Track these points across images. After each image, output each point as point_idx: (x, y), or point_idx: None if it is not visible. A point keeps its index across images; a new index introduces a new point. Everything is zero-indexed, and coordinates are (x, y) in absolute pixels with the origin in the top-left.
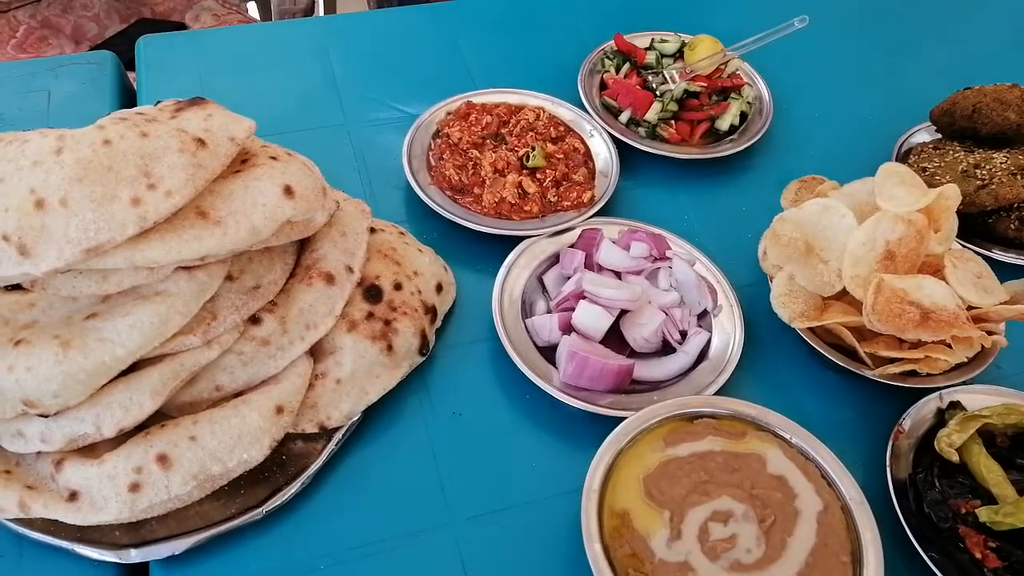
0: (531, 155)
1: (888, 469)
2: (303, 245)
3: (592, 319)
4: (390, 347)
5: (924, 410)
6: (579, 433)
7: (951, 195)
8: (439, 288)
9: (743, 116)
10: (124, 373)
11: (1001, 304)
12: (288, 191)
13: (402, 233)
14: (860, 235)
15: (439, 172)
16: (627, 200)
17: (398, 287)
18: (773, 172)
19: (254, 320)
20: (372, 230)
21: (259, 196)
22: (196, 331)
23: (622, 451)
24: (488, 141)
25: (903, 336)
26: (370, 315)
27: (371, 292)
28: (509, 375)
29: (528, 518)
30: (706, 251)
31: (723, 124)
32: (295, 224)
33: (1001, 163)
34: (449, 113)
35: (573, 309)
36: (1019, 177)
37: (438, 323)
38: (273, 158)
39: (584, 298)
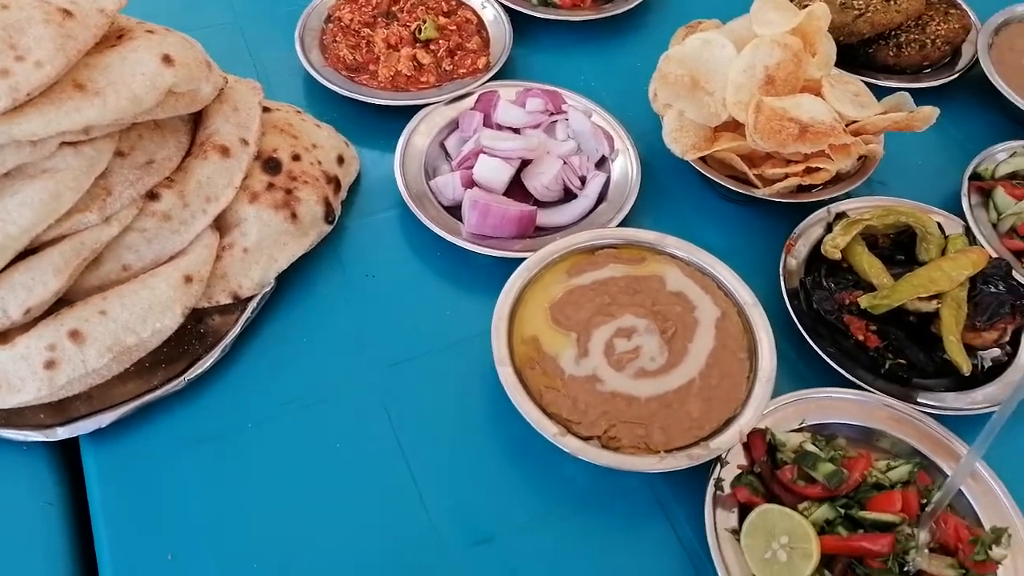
0: (423, 28)
1: (781, 277)
2: (197, 125)
3: (492, 171)
4: (294, 215)
5: (814, 224)
6: (489, 280)
7: (821, 14)
8: (340, 160)
9: None
10: (24, 258)
11: (876, 115)
12: (167, 59)
13: (299, 111)
14: (740, 62)
15: (333, 54)
16: (524, 67)
17: (296, 158)
18: (665, 27)
19: (152, 196)
20: (268, 109)
21: (137, 66)
22: (92, 208)
23: (528, 285)
24: (380, 19)
25: (784, 151)
26: (271, 185)
27: (270, 164)
28: (418, 236)
29: (446, 360)
30: (603, 105)
31: None
32: (180, 95)
33: None
34: None
35: (474, 166)
36: (892, 4)
37: (343, 194)
38: (150, 31)
39: (483, 153)
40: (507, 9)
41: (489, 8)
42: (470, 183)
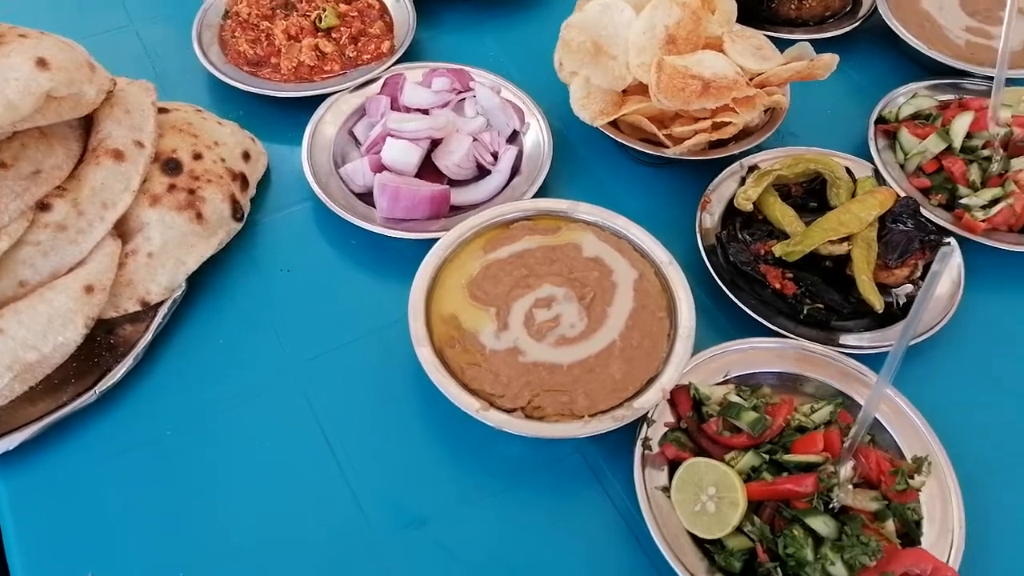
0: (323, 16)
1: (697, 233)
2: (88, 131)
3: (400, 153)
4: (199, 215)
5: (727, 179)
6: (407, 264)
7: None
8: (246, 156)
9: None
10: None
11: (779, 67)
12: (42, 63)
13: (199, 110)
14: (640, 24)
15: (233, 50)
16: (431, 48)
17: (198, 157)
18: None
19: (43, 207)
20: (165, 110)
21: (10, 72)
22: None
23: (444, 264)
24: (278, 11)
25: (690, 108)
26: (172, 187)
27: (169, 165)
28: (332, 226)
29: (367, 348)
30: (512, 79)
31: None
32: (62, 100)
33: None
34: None
35: (382, 150)
36: None
37: (252, 190)
38: (23, 36)
39: (391, 136)
40: None
41: None
42: (379, 167)
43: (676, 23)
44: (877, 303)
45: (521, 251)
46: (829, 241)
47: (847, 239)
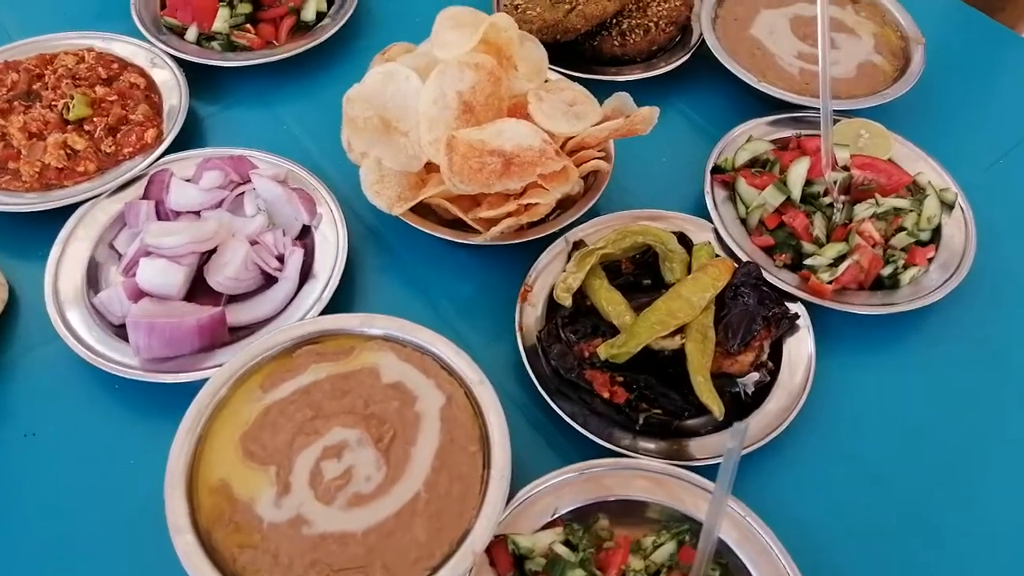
0: (71, 106)
1: (517, 333)
2: None
3: (158, 275)
4: None
5: (553, 260)
6: (179, 411)
7: (505, 25)
8: None
9: (330, 1)
10: None
11: (594, 126)
12: None
13: None
14: (428, 93)
15: None
16: (213, 129)
17: None
18: (375, 52)
19: None
20: None
21: None
22: None
23: (214, 414)
24: (17, 103)
25: (491, 191)
26: None
27: None
28: (87, 371)
29: (134, 528)
30: (311, 158)
31: (308, 13)
32: None
33: None
34: None
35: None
36: None
37: None
38: None
39: (147, 255)
40: (184, 63)
41: (161, 66)
42: (138, 294)
43: (471, 88)
44: (716, 408)
45: (307, 386)
46: (660, 336)
47: (680, 330)
